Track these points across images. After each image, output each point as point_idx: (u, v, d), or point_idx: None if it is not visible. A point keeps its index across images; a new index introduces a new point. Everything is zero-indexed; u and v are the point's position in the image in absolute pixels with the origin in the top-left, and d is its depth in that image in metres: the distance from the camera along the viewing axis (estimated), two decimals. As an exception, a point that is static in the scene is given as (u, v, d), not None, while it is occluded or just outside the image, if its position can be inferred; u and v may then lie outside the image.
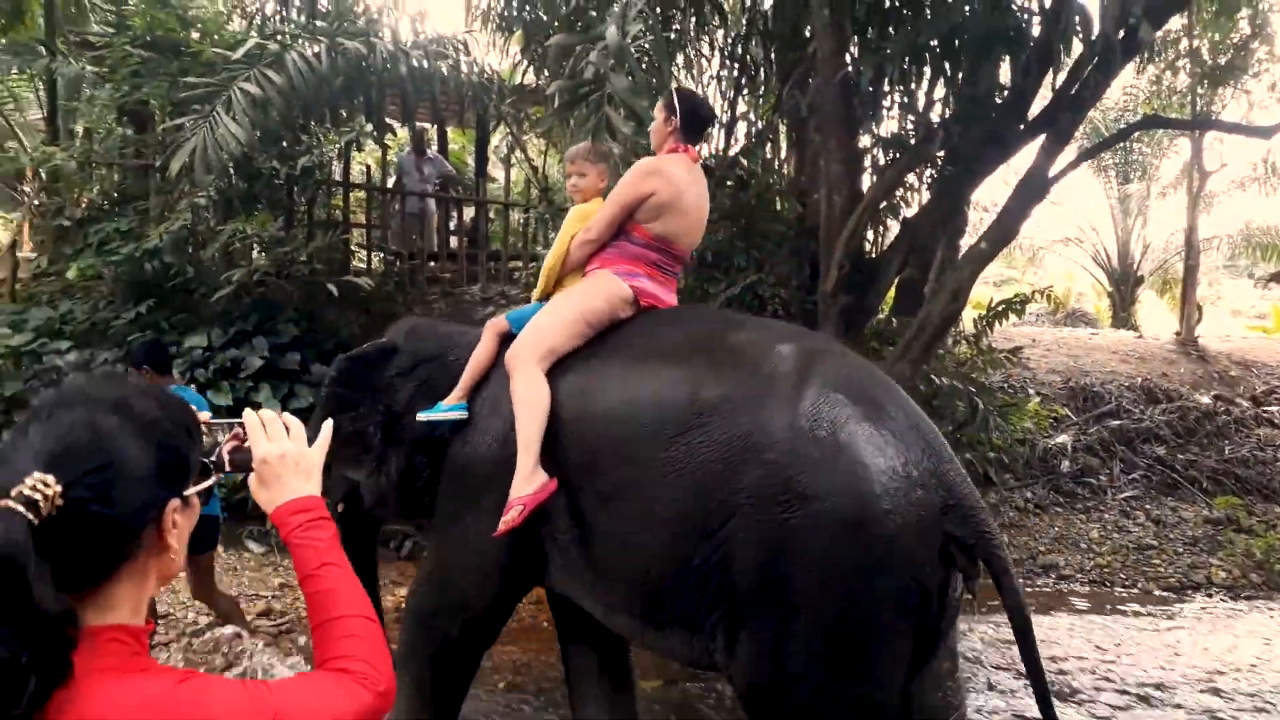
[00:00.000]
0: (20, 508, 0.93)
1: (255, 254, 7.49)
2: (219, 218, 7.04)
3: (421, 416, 3.21)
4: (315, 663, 1.20)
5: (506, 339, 3.21)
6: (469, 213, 10.81)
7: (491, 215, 10.97)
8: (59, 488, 0.96)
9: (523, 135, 8.92)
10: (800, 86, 7.27)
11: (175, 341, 6.97)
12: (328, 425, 1.44)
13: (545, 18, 7.61)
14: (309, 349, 7.21)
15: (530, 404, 2.92)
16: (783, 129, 8.80)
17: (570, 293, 3.26)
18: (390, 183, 9.63)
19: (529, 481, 2.85)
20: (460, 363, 3.29)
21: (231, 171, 5.55)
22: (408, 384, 3.40)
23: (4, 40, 10.80)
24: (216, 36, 7.26)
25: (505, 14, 8.17)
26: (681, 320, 3.20)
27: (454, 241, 10.99)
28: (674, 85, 3.73)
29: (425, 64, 6.52)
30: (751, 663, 2.52)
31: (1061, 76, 6.20)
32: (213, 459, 1.27)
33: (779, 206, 8.14)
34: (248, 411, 1.35)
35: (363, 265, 9.05)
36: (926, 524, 2.39)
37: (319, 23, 6.20)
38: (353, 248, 9.28)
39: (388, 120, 7.31)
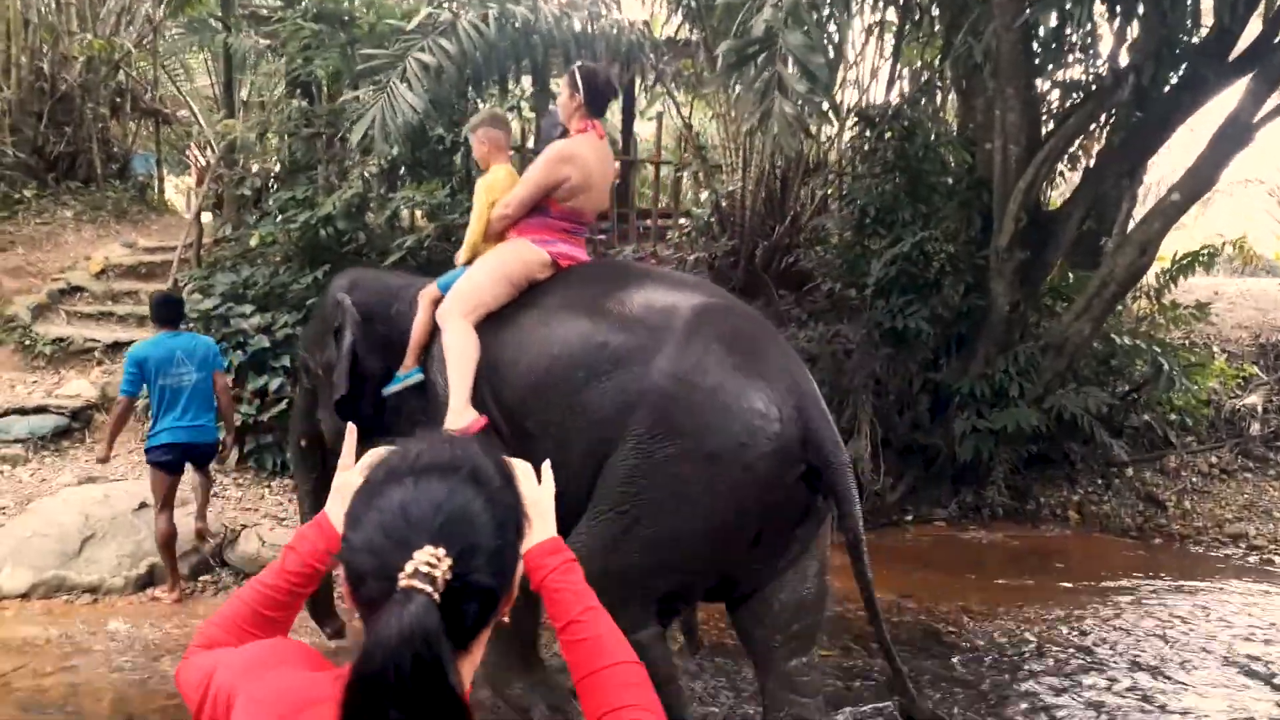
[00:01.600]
0: (426, 586, 0.90)
1: (420, 219, 7.70)
2: (387, 185, 7.22)
3: (386, 391, 3.68)
4: (591, 715, 1.15)
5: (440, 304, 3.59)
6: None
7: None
8: (449, 561, 0.92)
9: (674, 90, 8.78)
10: (973, 32, 6.89)
11: (350, 305, 7.24)
12: (548, 466, 1.37)
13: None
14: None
15: (459, 351, 3.38)
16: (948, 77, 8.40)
17: (493, 255, 3.66)
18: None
19: (460, 417, 3.31)
20: (403, 315, 3.72)
21: (408, 141, 5.66)
22: (352, 328, 3.75)
23: (182, 16, 11.43)
24: (380, 7, 7.40)
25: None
26: (593, 278, 3.59)
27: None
28: (578, 65, 3.90)
29: (589, 25, 6.47)
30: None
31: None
32: None
33: (947, 158, 7.80)
34: None
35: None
36: (784, 454, 2.88)
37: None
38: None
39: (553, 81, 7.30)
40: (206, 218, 9.75)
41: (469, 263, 3.76)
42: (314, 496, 4.19)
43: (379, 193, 7.26)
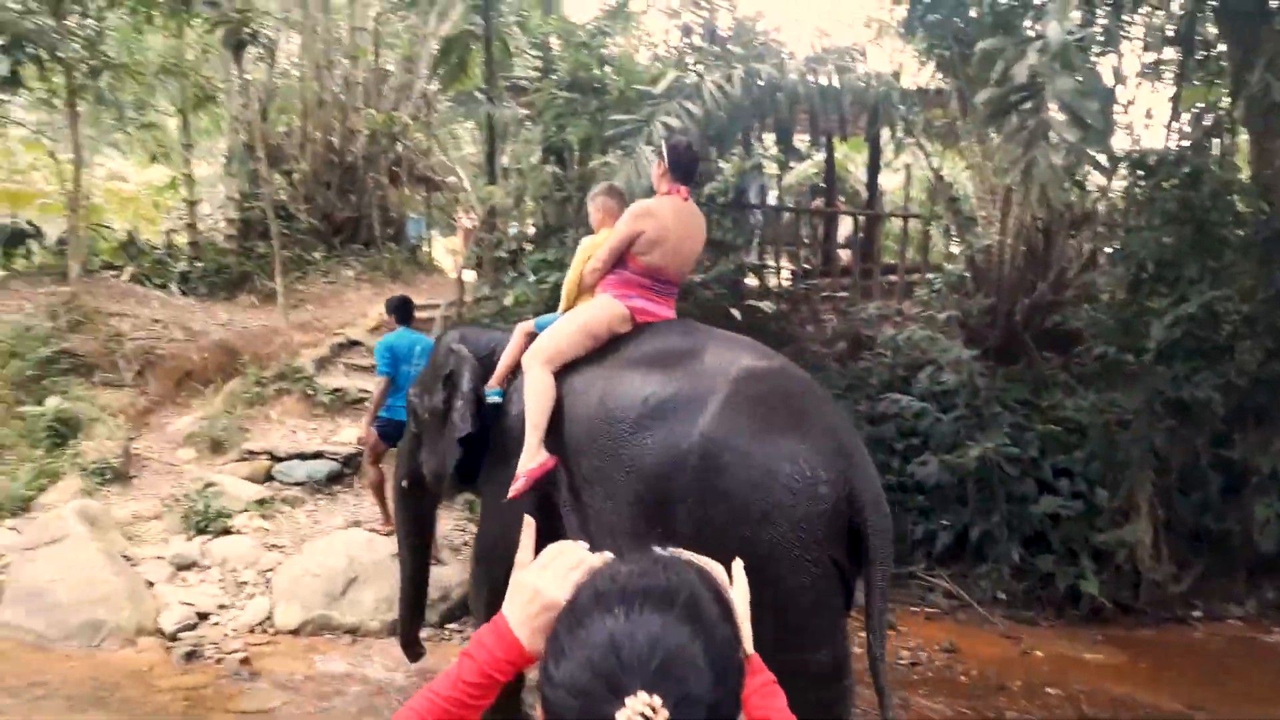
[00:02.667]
0: None
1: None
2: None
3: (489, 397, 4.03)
4: None
5: (533, 339, 3.88)
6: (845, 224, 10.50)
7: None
8: (666, 713, 0.84)
9: (924, 141, 8.43)
10: (1271, 68, 6.13)
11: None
12: (740, 568, 1.24)
13: (958, 22, 7.13)
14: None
15: (536, 395, 3.65)
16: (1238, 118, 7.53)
17: (579, 309, 3.93)
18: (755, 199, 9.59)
19: (532, 458, 3.58)
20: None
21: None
22: (470, 373, 4.07)
23: (452, 92, 12.40)
24: (628, 74, 7.62)
25: (907, 21, 7.80)
26: (661, 334, 3.71)
27: (844, 255, 10.77)
28: (666, 136, 4.51)
29: (835, 79, 6.33)
30: None
31: None
32: None
33: (1239, 208, 6.95)
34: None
35: (757, 284, 9.04)
36: (830, 513, 2.93)
37: (734, 49, 6.25)
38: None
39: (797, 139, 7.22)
40: (469, 276, 10.41)
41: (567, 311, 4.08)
42: (414, 535, 4.64)
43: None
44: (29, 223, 10.66)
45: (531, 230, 8.69)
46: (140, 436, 8.06)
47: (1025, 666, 5.56)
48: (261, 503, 6.96)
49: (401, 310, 6.65)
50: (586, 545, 1.15)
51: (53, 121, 11.04)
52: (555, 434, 3.62)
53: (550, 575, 1.09)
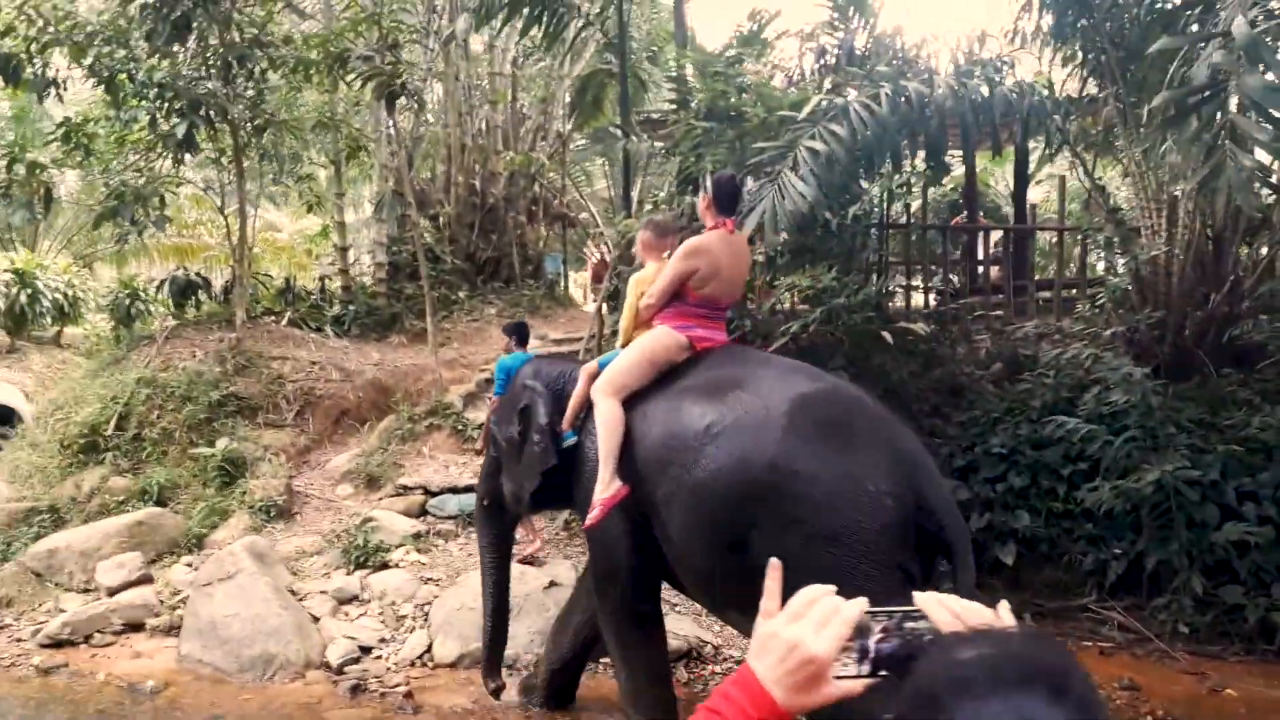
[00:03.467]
0: None
1: (797, 303, 7.65)
2: (772, 272, 7.25)
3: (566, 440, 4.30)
4: None
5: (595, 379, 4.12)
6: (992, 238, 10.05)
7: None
8: None
9: (1080, 151, 8.00)
10: None
11: (737, 392, 7.30)
12: (1006, 608, 1.07)
13: (1112, 25, 6.76)
14: (862, 396, 7.09)
15: (607, 427, 3.91)
16: None
17: (639, 341, 4.20)
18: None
19: (607, 487, 3.85)
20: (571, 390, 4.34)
21: (796, 228, 5.64)
22: (544, 407, 4.35)
23: (587, 130, 12.63)
24: (768, 99, 7.54)
25: (1057, 28, 7.45)
26: (720, 362, 3.98)
27: (991, 273, 10.34)
28: (709, 172, 4.71)
29: (983, 90, 6.08)
30: None
31: None
32: (863, 654, 0.99)
33: None
34: (920, 596, 1.04)
35: (906, 306, 8.75)
36: (898, 524, 3.05)
37: (881, 69, 6.09)
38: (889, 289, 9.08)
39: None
40: (592, 308, 10.51)
41: (625, 346, 4.31)
42: (493, 550, 4.89)
43: (763, 280, 7.29)
44: (198, 274, 11.35)
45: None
46: (301, 474, 8.40)
47: (1217, 706, 5.11)
48: (417, 536, 7.12)
49: (519, 333, 7.11)
50: (834, 589, 1.04)
51: (219, 179, 11.73)
52: (628, 462, 3.87)
53: (808, 627, 0.99)
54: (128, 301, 13.62)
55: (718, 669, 5.48)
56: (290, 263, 18.61)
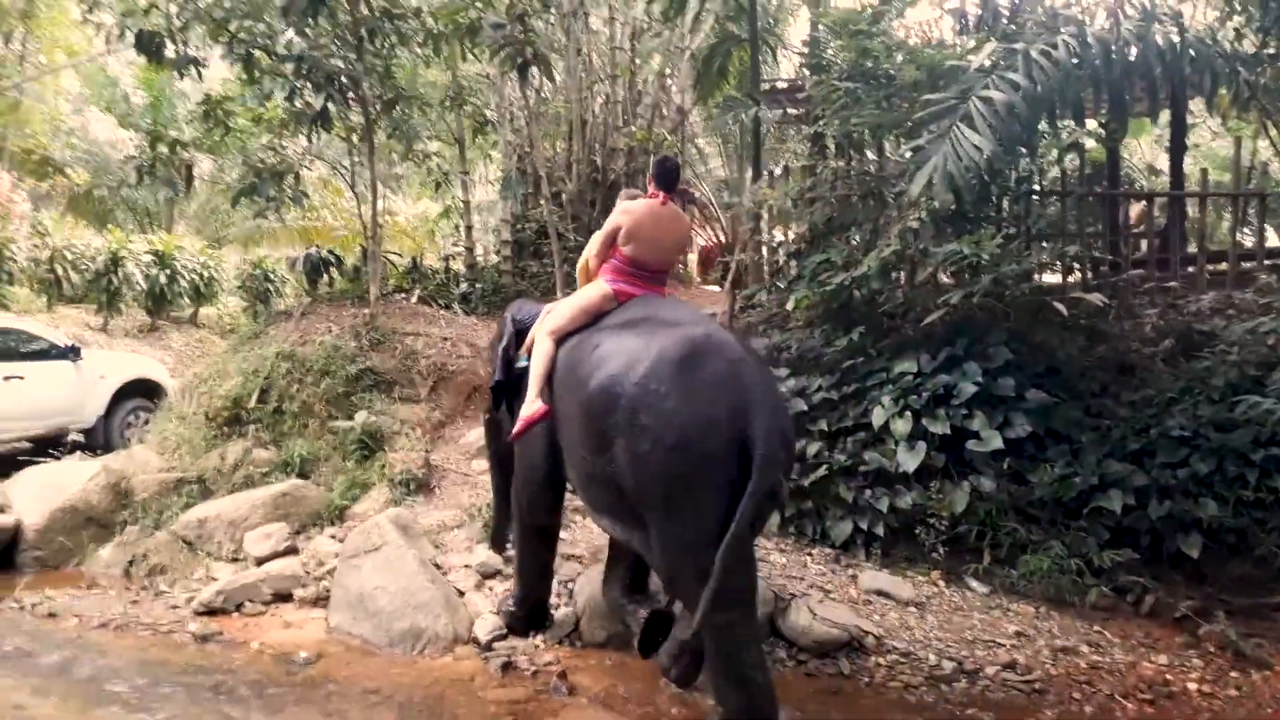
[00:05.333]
0: None
1: (945, 276, 7.21)
2: (929, 240, 6.82)
3: (518, 366, 5.27)
4: None
5: None
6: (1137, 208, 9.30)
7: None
8: None
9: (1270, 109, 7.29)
10: None
11: (884, 367, 6.92)
12: None
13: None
14: (1022, 373, 6.62)
15: (537, 357, 4.86)
16: None
17: (578, 292, 5.07)
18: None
19: (529, 406, 4.77)
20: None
21: (972, 184, 5.21)
22: (507, 338, 5.44)
23: (713, 101, 12.30)
24: (921, 57, 7.10)
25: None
26: (630, 308, 4.76)
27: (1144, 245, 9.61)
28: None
29: (1172, 39, 5.52)
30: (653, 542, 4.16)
31: None
32: None
33: None
34: None
35: (1071, 279, 8.16)
36: (725, 444, 3.84)
37: (1065, 10, 5.60)
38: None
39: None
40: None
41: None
42: (493, 445, 5.91)
43: (917, 249, 6.87)
44: (330, 251, 11.50)
45: (807, 232, 8.28)
46: (436, 449, 8.38)
47: None
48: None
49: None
50: None
51: (348, 158, 11.85)
52: (550, 388, 4.76)
53: None
54: (263, 280, 14.00)
55: (881, 660, 5.16)
56: (413, 244, 18.86)
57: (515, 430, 4.85)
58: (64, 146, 19.11)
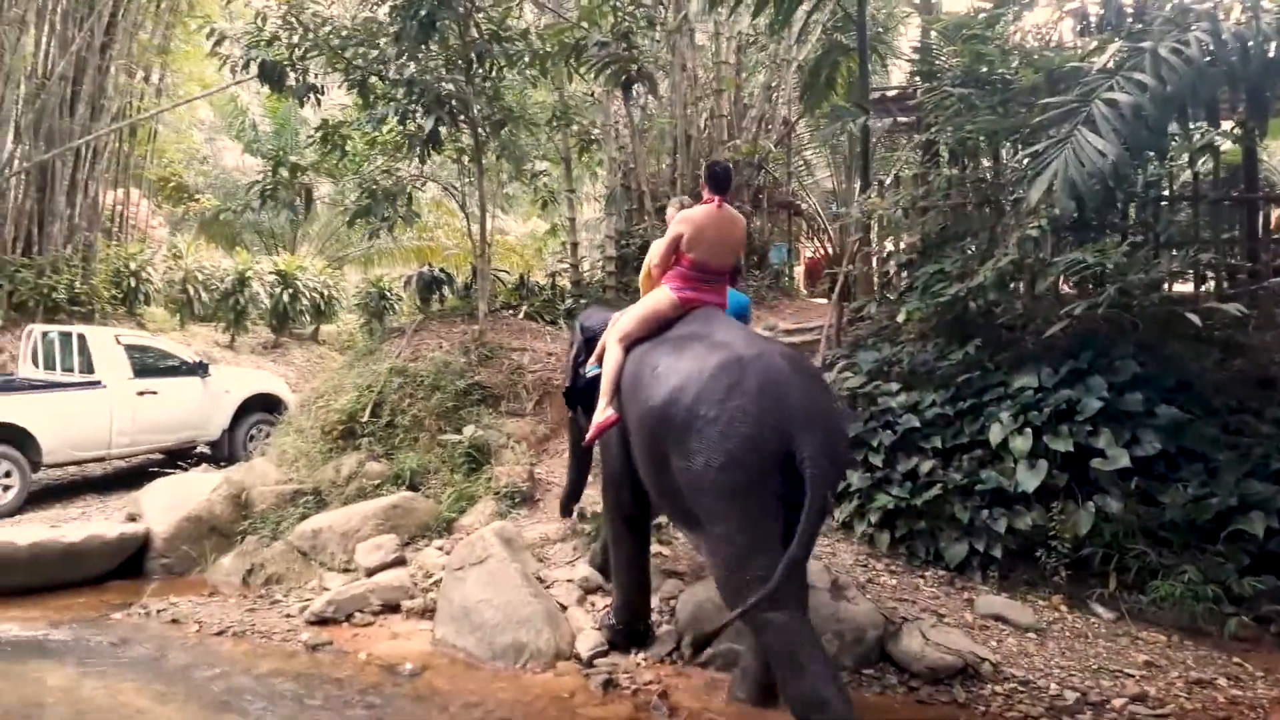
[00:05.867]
0: None
1: (1073, 285, 6.85)
2: (1049, 249, 6.51)
3: (589, 373, 5.53)
4: None
5: None
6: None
7: None
8: None
9: None
10: None
11: (1002, 382, 6.63)
12: None
13: None
14: (1151, 387, 6.24)
15: (607, 366, 5.08)
16: None
17: (644, 300, 5.20)
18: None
19: (601, 413, 5.01)
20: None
21: (1095, 190, 4.91)
22: (576, 347, 5.86)
23: (821, 111, 12.12)
24: (1039, 60, 6.81)
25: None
26: (691, 321, 4.96)
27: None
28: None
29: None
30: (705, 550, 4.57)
31: None
32: None
33: None
34: None
35: (1205, 289, 7.66)
36: (771, 460, 4.02)
37: (1198, 5, 5.25)
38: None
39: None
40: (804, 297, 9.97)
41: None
42: (574, 441, 6.49)
43: (1036, 258, 6.56)
44: (441, 270, 11.78)
45: (919, 242, 8.04)
46: (540, 462, 8.44)
47: None
48: (657, 528, 6.93)
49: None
50: None
51: (459, 178, 12.12)
52: (620, 395, 4.97)
53: None
54: (379, 298, 14.47)
55: (999, 689, 4.91)
56: (521, 262, 19.20)
57: (589, 436, 5.15)
58: (197, 174, 20.16)
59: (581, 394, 5.62)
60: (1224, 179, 7.74)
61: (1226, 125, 7.93)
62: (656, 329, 4.98)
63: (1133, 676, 5.05)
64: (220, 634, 6.04)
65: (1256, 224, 7.71)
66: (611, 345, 5.08)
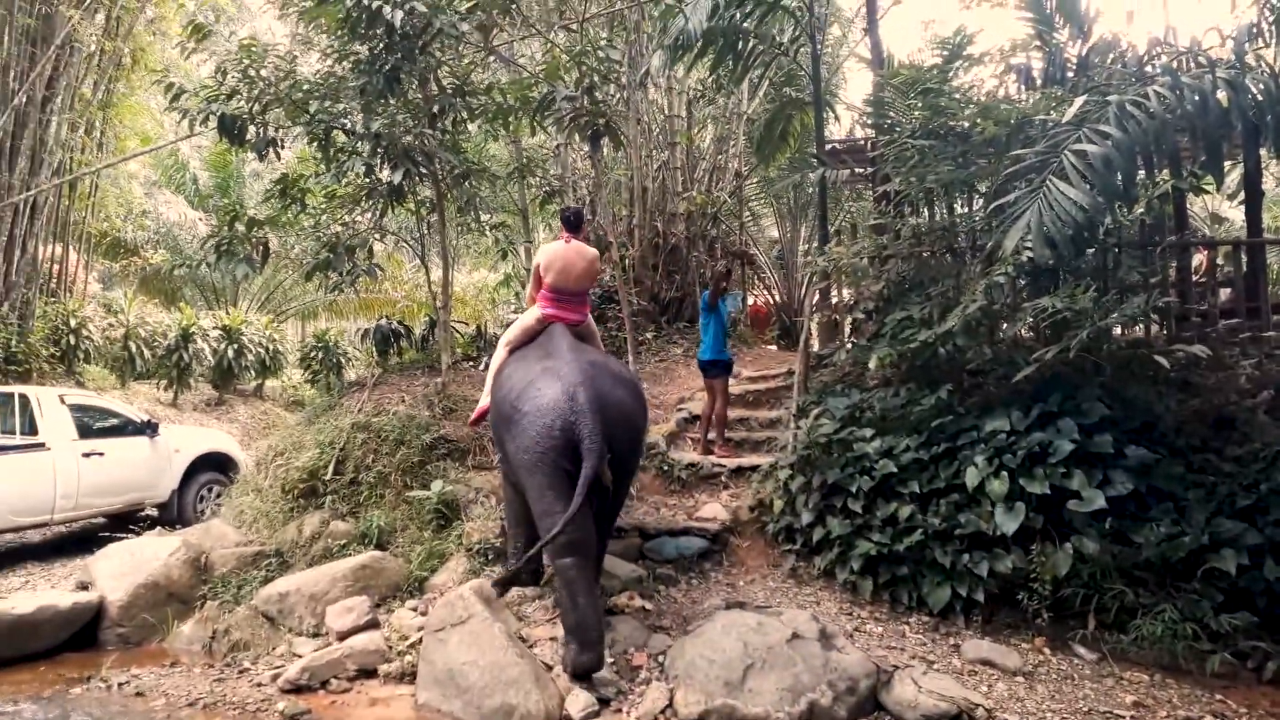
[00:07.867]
0: None
1: (1032, 330, 7.03)
2: (1015, 296, 6.67)
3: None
4: None
5: None
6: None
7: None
8: None
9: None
10: None
11: (974, 425, 6.73)
12: None
13: None
14: (1118, 428, 6.39)
15: (492, 366, 6.75)
16: None
17: (522, 316, 6.95)
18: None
19: (481, 402, 6.88)
20: None
21: (1070, 237, 5.07)
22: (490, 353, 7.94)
23: (775, 164, 12.35)
24: (998, 114, 7.04)
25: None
26: (544, 336, 6.60)
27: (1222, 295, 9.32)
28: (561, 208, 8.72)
29: (1266, 86, 5.39)
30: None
31: None
32: None
33: None
34: None
35: (1146, 332, 7.93)
36: (560, 444, 5.58)
37: (1147, 62, 5.50)
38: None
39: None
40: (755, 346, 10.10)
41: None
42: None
43: (1003, 304, 6.72)
44: (400, 323, 11.63)
45: (866, 292, 8.19)
46: (511, 517, 8.29)
47: None
48: (639, 580, 6.85)
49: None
50: None
51: (417, 229, 12.04)
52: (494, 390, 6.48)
53: None
54: (334, 352, 14.21)
55: (994, 734, 4.91)
56: (472, 312, 19.08)
57: (471, 418, 7.25)
58: (137, 228, 19.73)
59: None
60: (1152, 225, 8.01)
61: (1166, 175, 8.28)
62: (529, 338, 6.67)
63: (1123, 717, 5.08)
64: (191, 705, 5.75)
65: (1189, 268, 8.01)
66: (500, 349, 6.80)
